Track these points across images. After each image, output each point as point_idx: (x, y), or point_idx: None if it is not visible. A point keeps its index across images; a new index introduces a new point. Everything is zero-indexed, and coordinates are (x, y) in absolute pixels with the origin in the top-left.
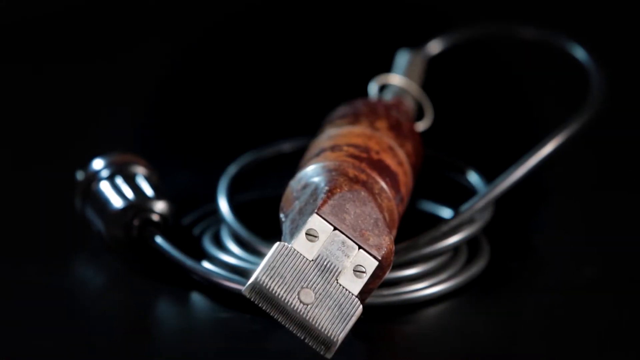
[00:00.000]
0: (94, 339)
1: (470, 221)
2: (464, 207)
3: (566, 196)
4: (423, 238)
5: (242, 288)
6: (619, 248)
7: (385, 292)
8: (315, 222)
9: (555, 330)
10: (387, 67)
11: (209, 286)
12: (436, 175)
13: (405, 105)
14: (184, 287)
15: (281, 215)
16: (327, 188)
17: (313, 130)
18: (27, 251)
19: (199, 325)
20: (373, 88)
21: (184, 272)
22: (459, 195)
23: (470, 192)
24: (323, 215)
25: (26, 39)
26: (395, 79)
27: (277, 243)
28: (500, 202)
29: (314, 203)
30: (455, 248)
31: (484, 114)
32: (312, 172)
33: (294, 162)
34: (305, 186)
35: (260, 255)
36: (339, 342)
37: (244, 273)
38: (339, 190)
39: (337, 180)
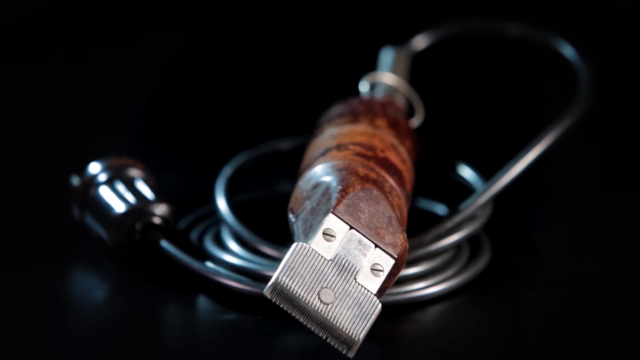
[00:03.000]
0: (99, 347)
1: (472, 218)
2: (466, 203)
3: (565, 192)
4: (428, 235)
5: (252, 289)
6: (620, 243)
7: (392, 290)
8: (331, 221)
9: (559, 325)
10: (366, 65)
11: (217, 288)
12: (428, 172)
13: (397, 103)
14: (190, 290)
15: (290, 216)
16: (340, 187)
17: (299, 129)
18: (27, 258)
19: (208, 328)
20: (364, 86)
21: (192, 274)
22: (451, 191)
23: (462, 187)
24: (339, 215)
25: (15, 37)
26: (385, 77)
27: (295, 243)
28: (499, 198)
29: (327, 202)
30: (458, 245)
31: (471, 110)
32: (321, 172)
33: (281, 162)
34: (315, 186)
35: (264, 255)
36: (361, 341)
37: (248, 274)
38: (352, 189)
39: (349, 179)
